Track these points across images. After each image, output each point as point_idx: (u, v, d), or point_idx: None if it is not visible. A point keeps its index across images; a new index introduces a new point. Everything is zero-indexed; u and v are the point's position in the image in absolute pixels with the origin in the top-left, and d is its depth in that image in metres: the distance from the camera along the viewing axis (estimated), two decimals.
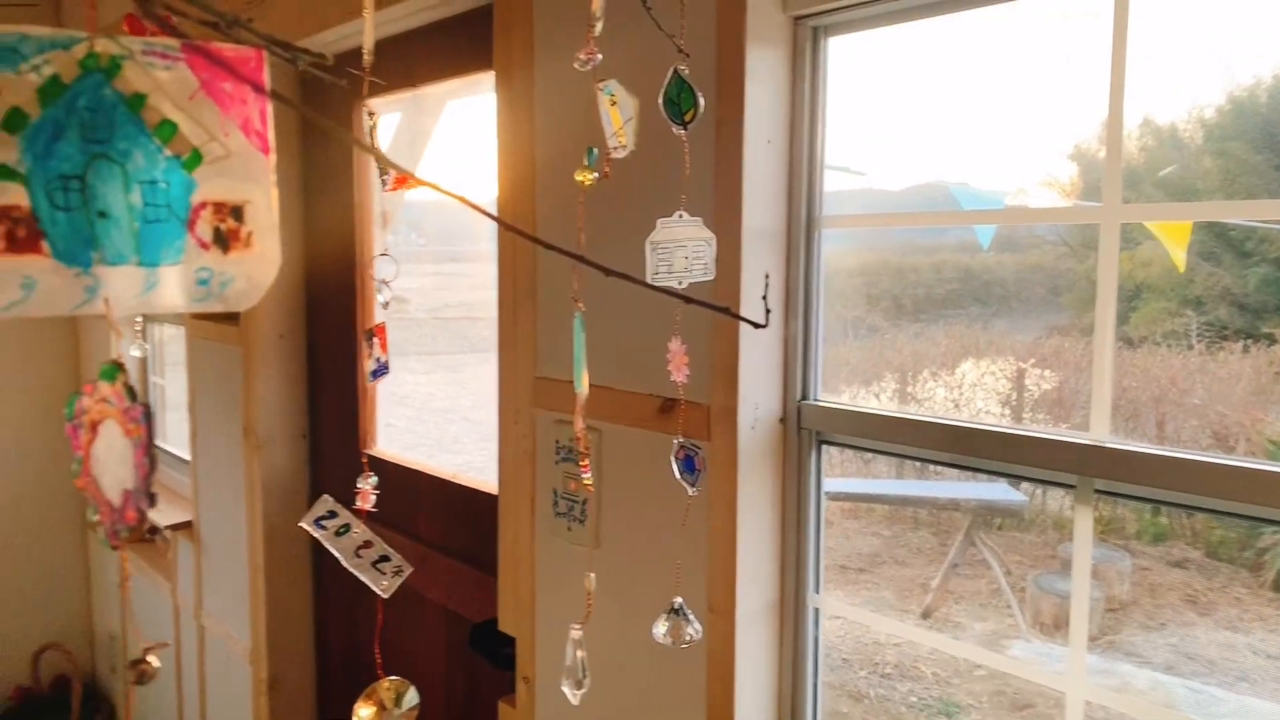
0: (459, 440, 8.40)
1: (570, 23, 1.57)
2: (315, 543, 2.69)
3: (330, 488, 2.62)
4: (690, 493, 0.92)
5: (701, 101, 0.86)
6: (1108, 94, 1.09)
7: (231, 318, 2.81)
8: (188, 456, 3.54)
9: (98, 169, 0.51)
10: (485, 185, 1.89)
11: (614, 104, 0.69)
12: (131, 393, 0.59)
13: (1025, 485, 5.14)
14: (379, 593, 0.73)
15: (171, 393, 3.92)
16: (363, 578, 0.72)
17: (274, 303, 2.61)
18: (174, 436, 3.87)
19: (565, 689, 0.77)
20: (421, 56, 2.14)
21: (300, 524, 0.73)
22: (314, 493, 2.69)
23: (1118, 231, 1.09)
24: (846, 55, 1.38)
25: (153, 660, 0.68)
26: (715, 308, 0.86)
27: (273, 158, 0.56)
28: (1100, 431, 1.11)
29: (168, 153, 0.52)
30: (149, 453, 0.60)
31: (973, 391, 6.34)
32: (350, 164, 2.44)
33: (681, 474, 0.92)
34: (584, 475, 0.77)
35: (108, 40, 0.52)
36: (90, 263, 0.53)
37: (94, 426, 0.61)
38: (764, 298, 1.30)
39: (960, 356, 6.57)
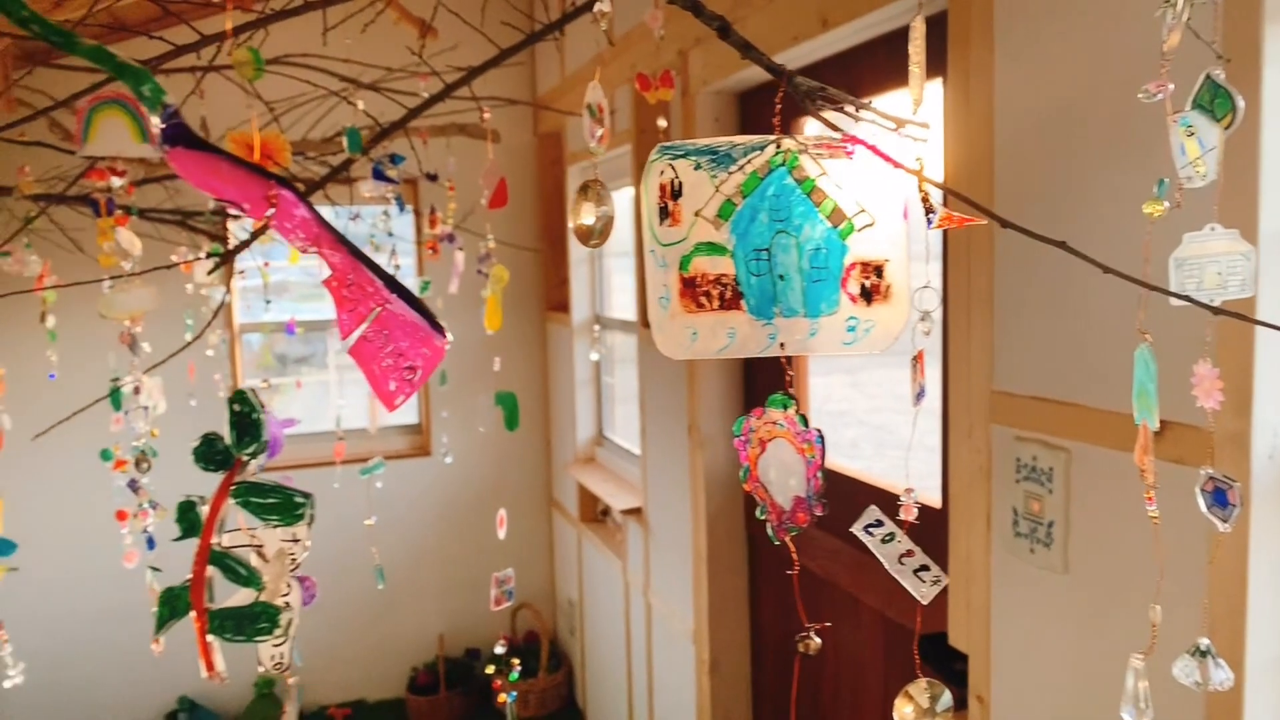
0: (856, 445, 8.37)
1: (1036, 30, 1.50)
2: (750, 536, 2.88)
3: None
4: (1221, 529, 0.85)
5: (1241, 104, 0.79)
6: None
7: None
8: (633, 447, 3.97)
9: (779, 242, 0.64)
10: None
11: (1191, 134, 0.67)
12: (805, 420, 0.71)
13: None
14: (918, 599, 0.78)
15: (619, 389, 4.43)
16: (904, 583, 0.77)
17: None
18: (622, 429, 4.36)
19: (1126, 717, 0.76)
20: (865, 72, 2.18)
21: (851, 529, 0.81)
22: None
23: None
24: None
25: (814, 638, 0.81)
26: (1257, 321, 0.79)
27: (930, 226, 0.65)
28: None
29: (828, 225, 0.63)
30: (821, 469, 0.73)
31: None
32: None
33: (1210, 508, 0.85)
34: (1149, 508, 0.74)
35: (791, 140, 0.65)
36: (772, 316, 0.67)
37: (762, 443, 0.74)
38: None
39: None
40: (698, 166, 0.65)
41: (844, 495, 2.33)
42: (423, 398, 4.91)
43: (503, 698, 1.48)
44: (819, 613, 2.52)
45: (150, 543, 1.55)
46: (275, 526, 0.41)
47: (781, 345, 0.69)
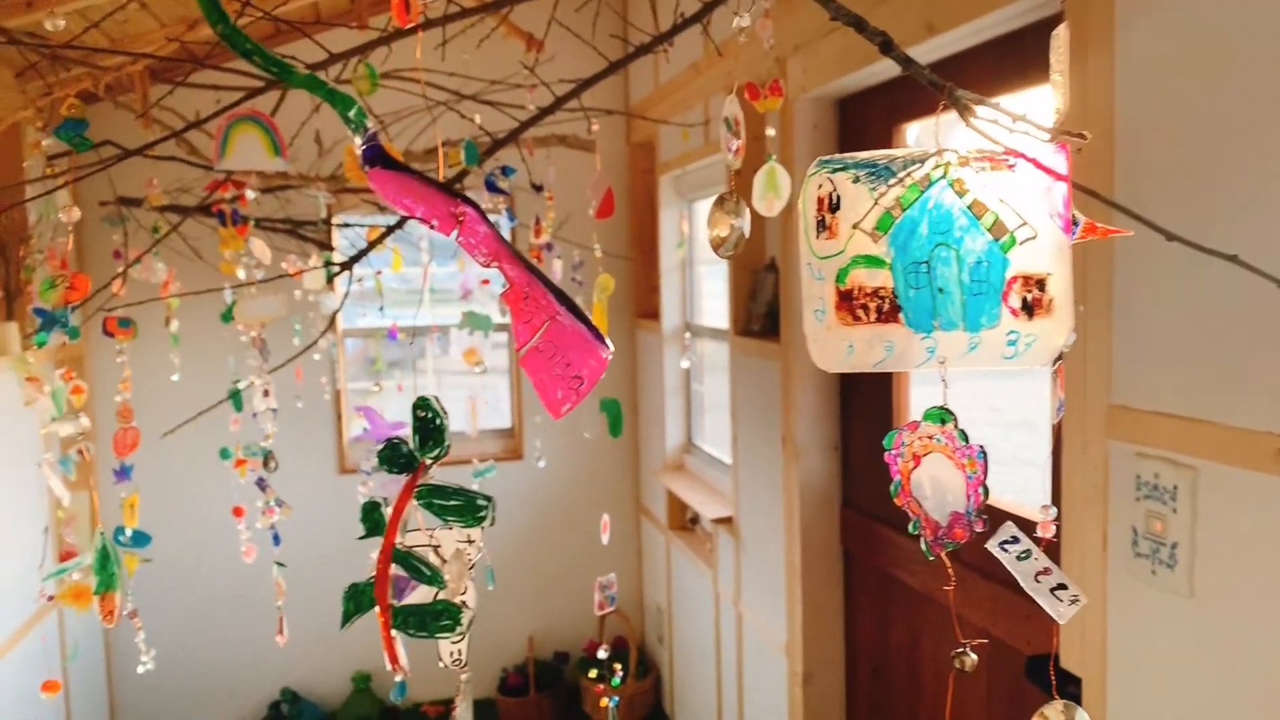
0: None
1: (1163, 30, 1.45)
2: (846, 549, 2.84)
3: (860, 500, 2.74)
4: None
5: None
6: None
7: (773, 335, 3.08)
8: (723, 456, 3.96)
9: (939, 254, 0.64)
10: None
11: None
12: (964, 435, 0.71)
13: None
14: (1055, 618, 0.76)
15: (708, 397, 4.42)
16: (1041, 602, 0.76)
17: None
18: (711, 437, 4.36)
19: None
20: (972, 78, 2.14)
21: (986, 546, 0.79)
22: (845, 503, 2.83)
23: None
24: None
25: (971, 654, 0.81)
26: None
27: (1072, 237, 0.64)
28: None
29: (990, 238, 0.63)
30: (983, 485, 0.72)
31: None
32: None
33: None
34: None
35: (952, 153, 0.65)
36: (931, 329, 0.67)
37: (916, 458, 0.74)
38: None
39: None
40: (856, 179, 0.65)
41: None
42: (516, 403, 4.99)
43: (605, 702, 1.50)
44: (918, 628, 2.47)
45: (275, 539, 1.62)
46: (456, 528, 0.43)
47: (941, 360, 0.69)
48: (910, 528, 0.79)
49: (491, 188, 1.79)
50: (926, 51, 2.20)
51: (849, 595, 2.86)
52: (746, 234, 0.71)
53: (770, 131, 1.37)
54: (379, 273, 1.99)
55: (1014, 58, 2.00)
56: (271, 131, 1.35)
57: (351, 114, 0.41)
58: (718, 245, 0.71)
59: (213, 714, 4.61)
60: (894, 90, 2.49)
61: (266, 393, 1.63)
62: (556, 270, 2.56)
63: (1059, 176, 0.63)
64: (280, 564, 1.57)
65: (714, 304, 4.33)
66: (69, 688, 3.92)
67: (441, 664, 0.50)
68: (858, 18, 0.81)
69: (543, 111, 1.43)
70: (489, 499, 0.42)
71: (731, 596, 3.48)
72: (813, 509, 2.83)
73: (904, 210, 0.64)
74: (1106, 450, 1.57)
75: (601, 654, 1.51)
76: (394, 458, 0.43)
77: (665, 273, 4.46)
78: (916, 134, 2.60)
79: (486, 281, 2.33)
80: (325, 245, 3.36)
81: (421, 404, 0.43)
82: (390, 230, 1.73)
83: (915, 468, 0.74)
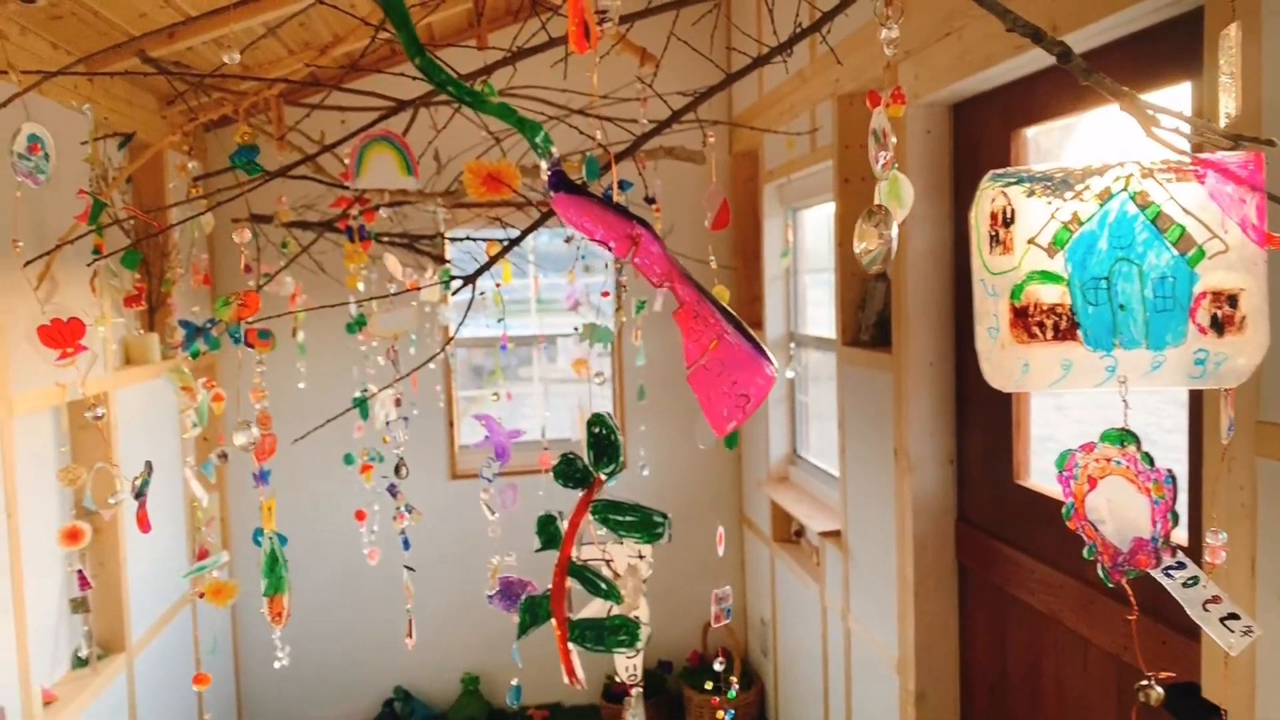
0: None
1: None
2: (961, 565, 2.75)
3: (977, 515, 2.66)
4: None
5: None
6: None
7: (884, 345, 3.02)
8: (829, 467, 3.89)
9: (1120, 270, 0.62)
10: None
11: None
12: (1149, 459, 0.69)
13: None
14: (1225, 649, 0.72)
15: (813, 408, 4.36)
16: (1209, 631, 0.72)
17: (925, 332, 2.74)
18: (816, 448, 4.30)
19: None
20: (1113, 73, 2.05)
21: (1148, 570, 0.76)
22: (960, 518, 2.75)
23: None
24: None
25: (1156, 688, 0.79)
26: None
27: (1267, 250, 0.62)
28: None
29: (1176, 252, 0.61)
30: (1172, 511, 0.70)
31: None
32: None
33: None
34: None
35: (1133, 164, 0.63)
36: (1111, 347, 0.65)
37: (1091, 480, 0.72)
38: None
39: None
40: (1031, 193, 0.64)
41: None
42: (618, 411, 5.04)
43: (721, 714, 1.49)
44: (1039, 650, 2.38)
45: (405, 543, 1.68)
46: (633, 543, 0.44)
47: (1121, 379, 0.66)
48: (1085, 553, 0.76)
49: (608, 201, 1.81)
50: (1047, 54, 2.13)
51: (964, 613, 2.78)
52: (895, 248, 0.70)
53: (893, 139, 1.35)
54: (498, 285, 2.05)
55: (1147, 56, 1.91)
56: (404, 151, 1.40)
57: (538, 139, 0.43)
58: (866, 258, 0.70)
59: (331, 709, 4.79)
60: (1011, 94, 2.42)
61: (398, 401, 1.69)
62: None
63: (1255, 186, 0.60)
64: (409, 568, 1.62)
65: (819, 313, 4.27)
66: None
67: (617, 678, 0.51)
68: (1035, 28, 0.79)
69: (662, 123, 1.45)
70: (665, 516, 0.43)
71: (840, 610, 3.42)
72: (926, 523, 2.76)
73: (1082, 224, 0.61)
74: (1254, 469, 1.49)
75: (717, 666, 1.51)
76: (569, 472, 0.44)
77: (768, 282, 4.43)
78: (1035, 137, 2.52)
79: (607, 294, 2.36)
80: (440, 259, 3.47)
81: (597, 420, 0.44)
82: (512, 245, 1.77)
83: (1091, 490, 0.71)
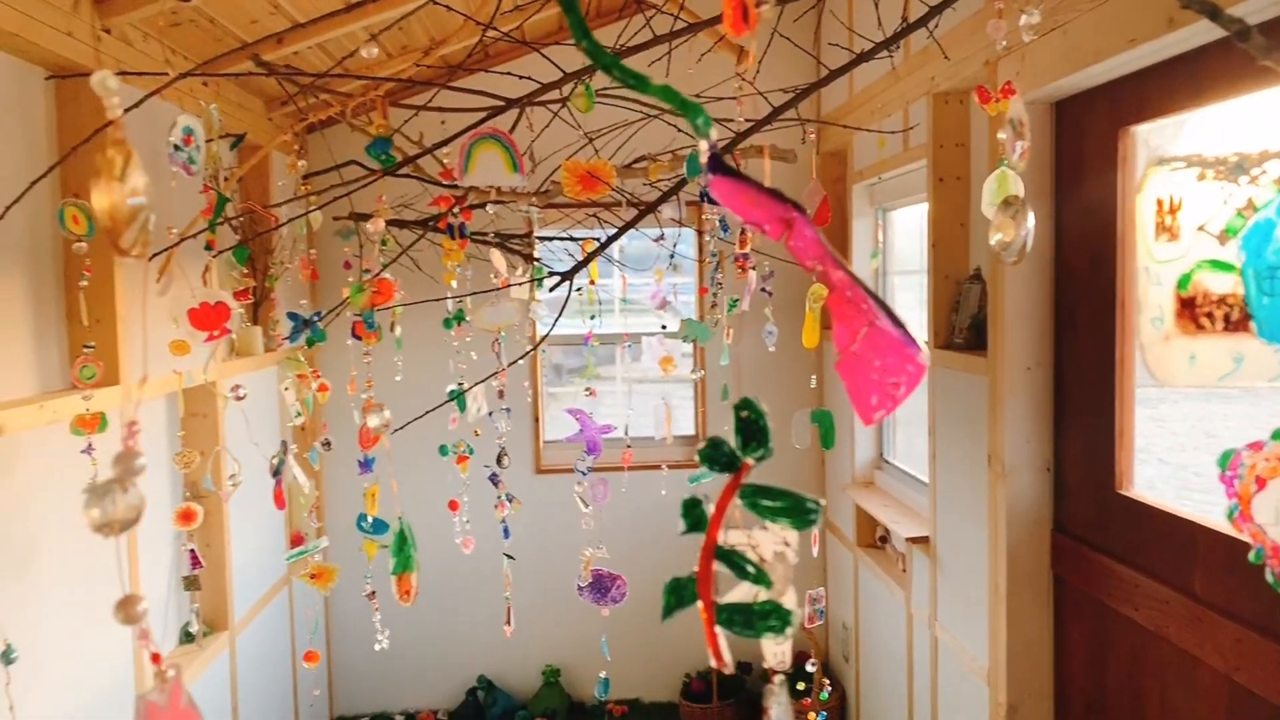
0: (1153, 486, 7.48)
1: None
2: (1057, 575, 2.67)
3: (1075, 524, 2.57)
4: None
5: None
6: None
7: (978, 349, 2.95)
8: (917, 472, 3.82)
9: None
10: None
11: None
12: None
13: None
14: None
15: (901, 412, 4.28)
16: None
17: (1023, 334, 2.67)
18: (903, 453, 4.22)
19: None
20: (1215, 74, 1.97)
21: None
22: (1057, 527, 2.67)
23: None
24: None
25: None
26: None
27: None
28: None
29: None
30: None
31: None
32: (1111, 189, 2.37)
33: None
34: None
35: None
36: None
37: (1260, 480, 0.70)
38: None
39: None
40: (1201, 178, 0.62)
41: (1179, 540, 2.10)
42: (700, 411, 5.04)
43: (813, 716, 1.49)
44: (1142, 668, 2.29)
45: (505, 532, 1.71)
46: (779, 530, 0.44)
47: None
48: (1252, 557, 0.73)
49: (705, 198, 1.82)
50: (1163, 48, 2.05)
51: (1059, 625, 2.69)
52: (1030, 241, 0.69)
53: (1002, 135, 1.32)
54: (592, 282, 2.08)
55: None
56: (510, 149, 1.43)
57: (699, 122, 0.44)
58: (1003, 250, 0.68)
59: (417, 694, 4.92)
60: (1118, 91, 2.33)
61: (501, 393, 1.73)
62: (752, 280, 2.57)
63: None
64: (510, 556, 1.66)
65: (909, 315, 4.19)
66: (295, 659, 4.30)
67: (765, 665, 0.51)
68: (1212, 6, 0.76)
69: (764, 119, 1.45)
70: (818, 502, 0.43)
71: (926, 619, 3.35)
72: (1020, 532, 2.68)
73: (1258, 211, 0.59)
74: None
75: (810, 667, 1.50)
76: (715, 457, 0.45)
77: None
78: (1146, 134, 2.42)
79: (704, 290, 2.36)
80: (529, 257, 3.52)
81: (745, 404, 0.45)
82: (606, 243, 1.80)
83: (1259, 491, 0.69)
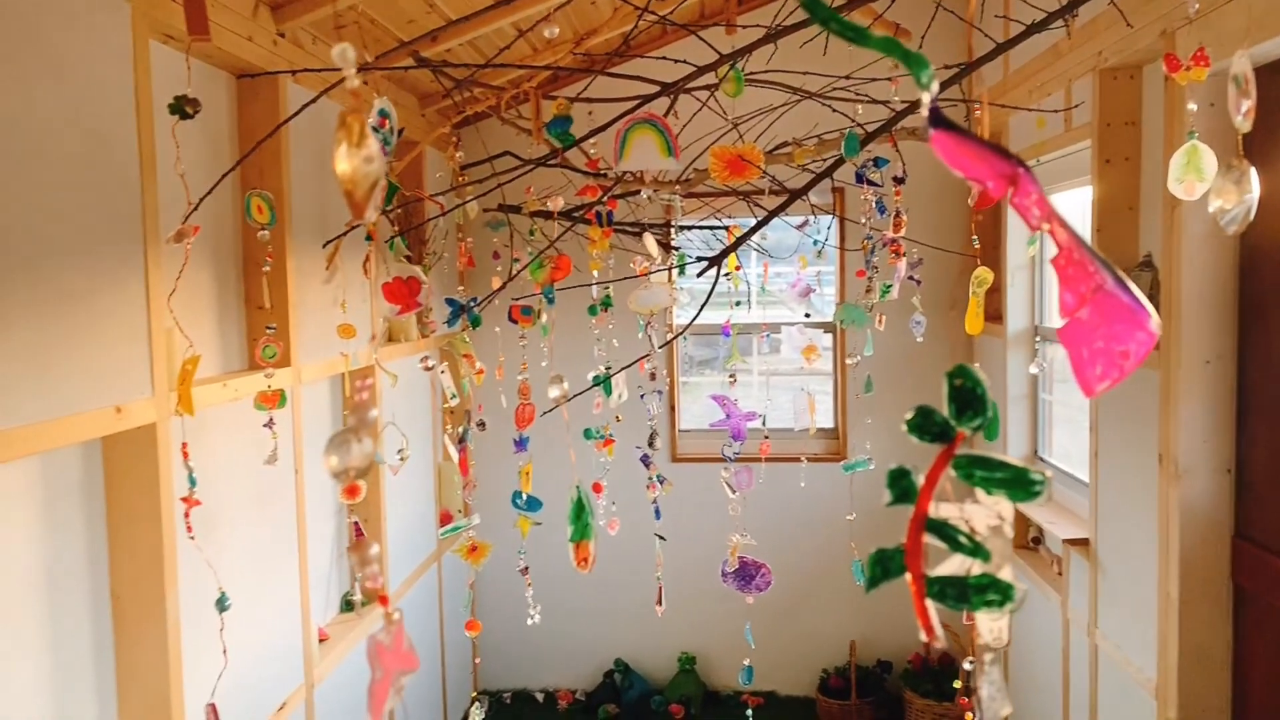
0: None
1: None
2: (1237, 585, 2.47)
3: (1260, 531, 2.37)
4: None
5: None
6: None
7: None
8: (1075, 471, 3.62)
9: None
10: None
11: None
12: None
13: None
14: None
15: (1058, 408, 4.07)
16: None
17: (1202, 324, 2.48)
18: (1059, 451, 4.01)
19: None
20: None
21: None
22: (1238, 533, 2.47)
23: None
24: None
25: None
26: None
27: None
28: None
29: None
30: None
31: None
32: None
33: None
34: None
35: None
36: None
37: None
38: None
39: None
40: None
41: None
42: (839, 402, 4.94)
43: (969, 716, 1.43)
44: None
45: (657, 513, 1.73)
46: (996, 502, 0.43)
47: None
48: None
49: (862, 179, 1.78)
50: None
51: (1239, 638, 2.49)
52: (1254, 209, 0.63)
53: (1192, 106, 1.23)
54: (738, 267, 2.06)
55: None
56: (665, 133, 1.44)
57: (924, 77, 0.42)
58: (1223, 218, 0.63)
59: (556, 674, 5.05)
60: None
61: (653, 375, 1.75)
62: (901, 267, 2.49)
63: None
64: (661, 536, 1.67)
65: None
66: (444, 632, 4.49)
67: (982, 641, 0.49)
68: None
69: (939, 90, 1.39)
70: (1043, 474, 0.41)
71: (1084, 625, 3.17)
72: (1196, 537, 2.50)
73: None
74: None
75: (967, 665, 1.44)
76: (925, 425, 0.43)
77: (1011, 271, 4.17)
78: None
79: (862, 273, 2.32)
80: (668, 246, 3.54)
81: (960, 372, 0.43)
82: (752, 230, 1.78)
83: None
